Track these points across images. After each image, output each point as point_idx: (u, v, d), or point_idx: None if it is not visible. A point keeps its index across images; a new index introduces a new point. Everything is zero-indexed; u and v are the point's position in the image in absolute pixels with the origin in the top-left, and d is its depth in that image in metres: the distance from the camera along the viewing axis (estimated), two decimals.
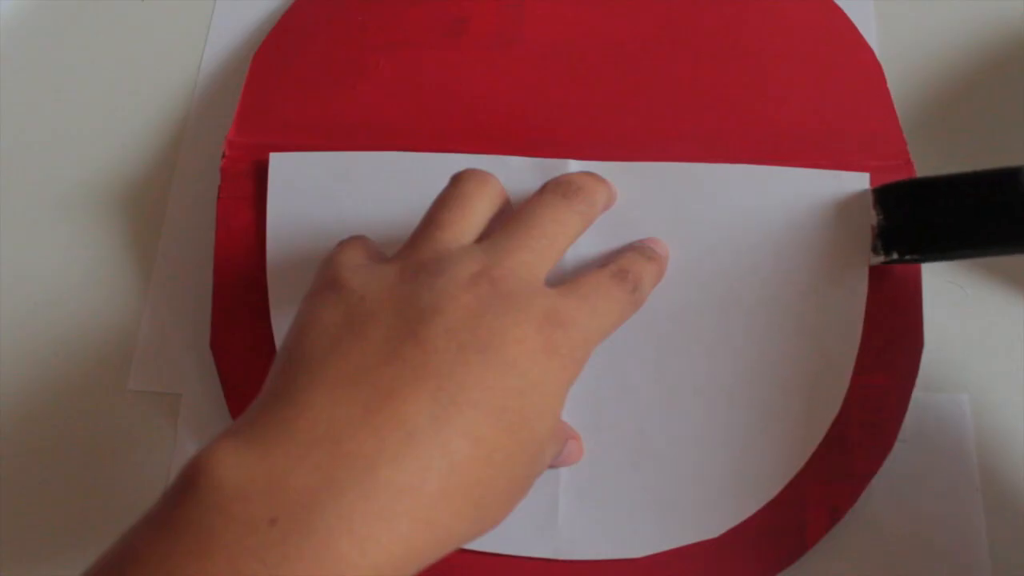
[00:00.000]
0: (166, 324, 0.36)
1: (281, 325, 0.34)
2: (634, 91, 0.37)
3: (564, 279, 0.28)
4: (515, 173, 0.36)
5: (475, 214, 0.29)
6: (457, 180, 0.30)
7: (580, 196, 0.30)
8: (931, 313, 0.34)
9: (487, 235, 0.29)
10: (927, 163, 0.36)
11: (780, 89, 0.37)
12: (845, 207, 0.34)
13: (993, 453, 0.33)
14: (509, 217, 0.29)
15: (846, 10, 0.39)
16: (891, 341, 0.33)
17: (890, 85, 0.37)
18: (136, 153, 0.40)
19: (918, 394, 0.33)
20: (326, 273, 0.27)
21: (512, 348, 0.24)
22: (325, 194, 0.36)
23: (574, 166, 0.35)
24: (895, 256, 0.31)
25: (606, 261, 0.30)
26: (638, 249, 0.32)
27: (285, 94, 0.38)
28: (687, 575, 0.31)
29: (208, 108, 0.40)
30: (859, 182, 0.35)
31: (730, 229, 0.34)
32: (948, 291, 0.35)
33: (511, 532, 0.28)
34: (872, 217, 0.32)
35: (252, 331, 0.34)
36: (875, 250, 0.32)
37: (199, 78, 0.41)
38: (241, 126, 0.38)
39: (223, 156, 0.37)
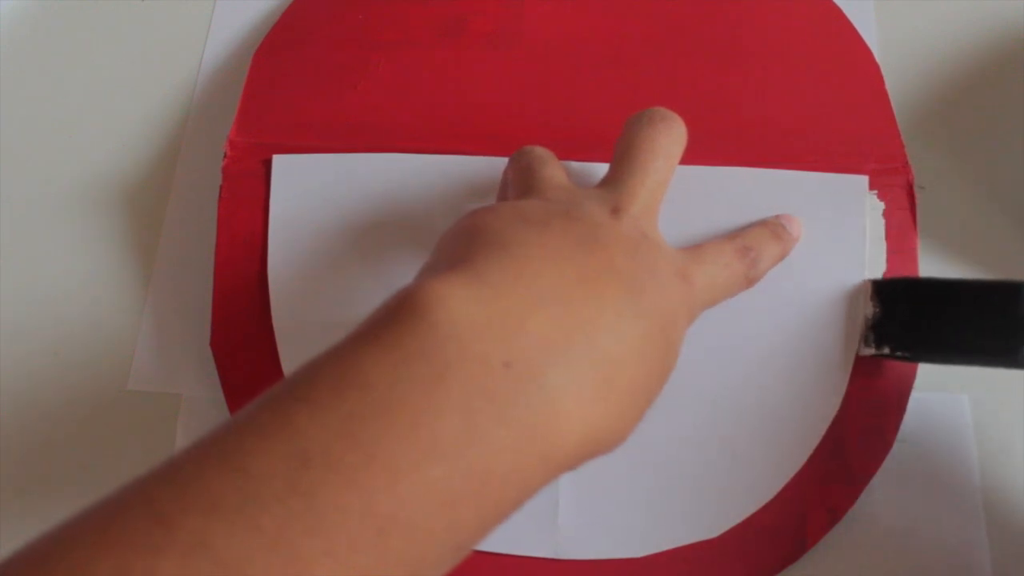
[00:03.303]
0: (166, 324, 0.36)
1: (282, 325, 0.34)
2: (633, 91, 0.38)
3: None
4: None
5: (562, 169, 0.30)
6: (524, 150, 0.31)
7: (677, 119, 0.31)
8: None
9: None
10: (926, 164, 0.36)
11: (779, 90, 0.37)
12: (843, 209, 0.34)
13: (993, 453, 0.33)
14: (621, 154, 0.30)
15: (846, 10, 0.39)
16: None
17: (889, 86, 0.37)
18: (136, 153, 0.40)
19: (918, 394, 0.33)
20: (459, 218, 0.28)
21: (665, 276, 0.26)
22: (327, 195, 0.36)
23: (574, 166, 0.35)
24: (886, 351, 0.31)
25: (735, 234, 0.31)
26: (769, 225, 0.32)
27: (285, 94, 0.38)
28: (687, 575, 0.31)
29: (208, 108, 0.40)
30: (857, 185, 0.35)
31: (729, 230, 0.34)
32: None
33: (511, 531, 0.28)
34: (868, 308, 0.32)
35: (252, 331, 0.34)
36: (866, 342, 0.31)
37: (199, 78, 0.41)
38: (242, 126, 0.38)
39: (224, 156, 0.37)
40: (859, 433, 0.32)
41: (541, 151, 0.31)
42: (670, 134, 0.30)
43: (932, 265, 0.35)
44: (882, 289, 0.32)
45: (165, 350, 0.36)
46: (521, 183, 0.30)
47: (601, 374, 0.23)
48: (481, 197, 0.35)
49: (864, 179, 0.35)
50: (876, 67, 0.38)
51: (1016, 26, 0.39)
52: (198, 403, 0.35)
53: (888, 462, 0.32)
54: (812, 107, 0.37)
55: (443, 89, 0.38)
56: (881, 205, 0.35)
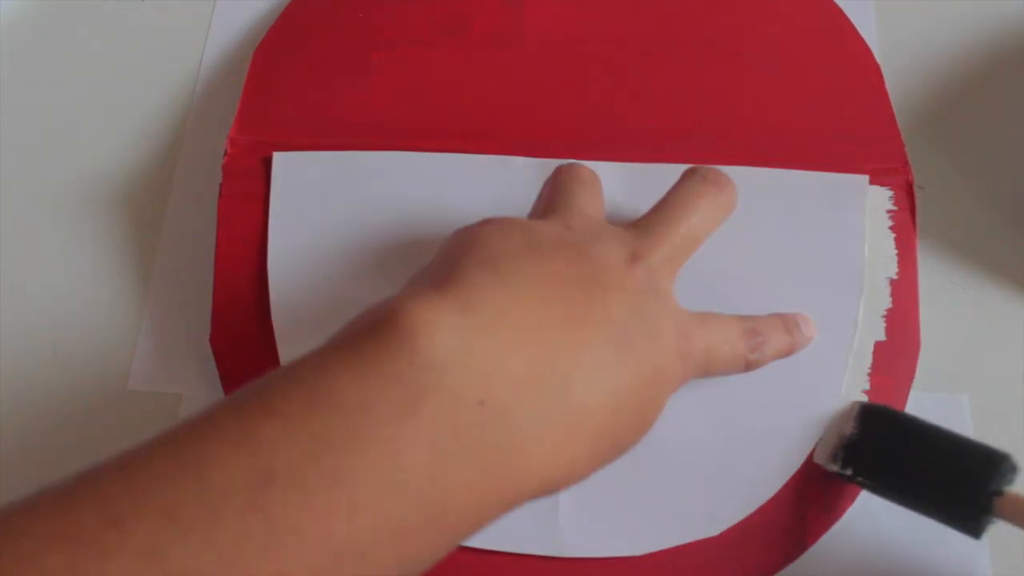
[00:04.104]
0: (166, 324, 0.36)
1: (282, 325, 0.34)
2: (633, 91, 0.38)
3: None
4: (515, 173, 0.36)
5: (599, 198, 0.30)
6: (571, 167, 0.31)
7: (729, 187, 0.30)
8: (931, 313, 0.34)
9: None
10: (926, 164, 0.36)
11: (779, 89, 0.37)
12: (843, 209, 0.34)
13: None
14: (660, 202, 0.29)
15: (846, 10, 0.39)
16: (888, 342, 0.33)
17: (889, 86, 0.37)
18: (137, 152, 0.40)
19: (917, 394, 0.33)
20: (474, 223, 0.27)
21: (663, 334, 0.26)
22: (328, 193, 0.36)
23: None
24: (849, 472, 0.30)
25: (749, 316, 0.30)
26: (784, 318, 0.31)
27: (286, 91, 0.38)
28: (687, 573, 0.31)
29: (209, 106, 0.40)
30: (857, 184, 0.35)
31: (728, 230, 0.34)
32: (948, 291, 0.35)
33: (512, 530, 0.28)
34: (847, 427, 0.31)
35: (253, 331, 0.34)
36: (834, 458, 0.31)
37: (200, 76, 0.41)
38: (242, 124, 0.38)
39: (225, 154, 0.37)
40: None
41: (585, 172, 0.30)
42: (716, 198, 0.30)
43: (932, 265, 0.35)
44: (866, 413, 0.31)
45: (165, 350, 0.36)
46: (552, 199, 0.29)
47: (570, 422, 0.23)
48: (481, 196, 0.35)
49: (864, 178, 0.35)
50: (876, 67, 0.38)
51: (1016, 26, 0.39)
52: (198, 403, 0.35)
53: None
54: (812, 107, 0.37)
55: (443, 87, 0.38)
56: (888, 193, 0.35)
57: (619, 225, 0.29)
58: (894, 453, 0.30)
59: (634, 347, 0.24)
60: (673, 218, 0.29)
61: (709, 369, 0.28)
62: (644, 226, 0.29)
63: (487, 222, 0.27)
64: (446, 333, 0.22)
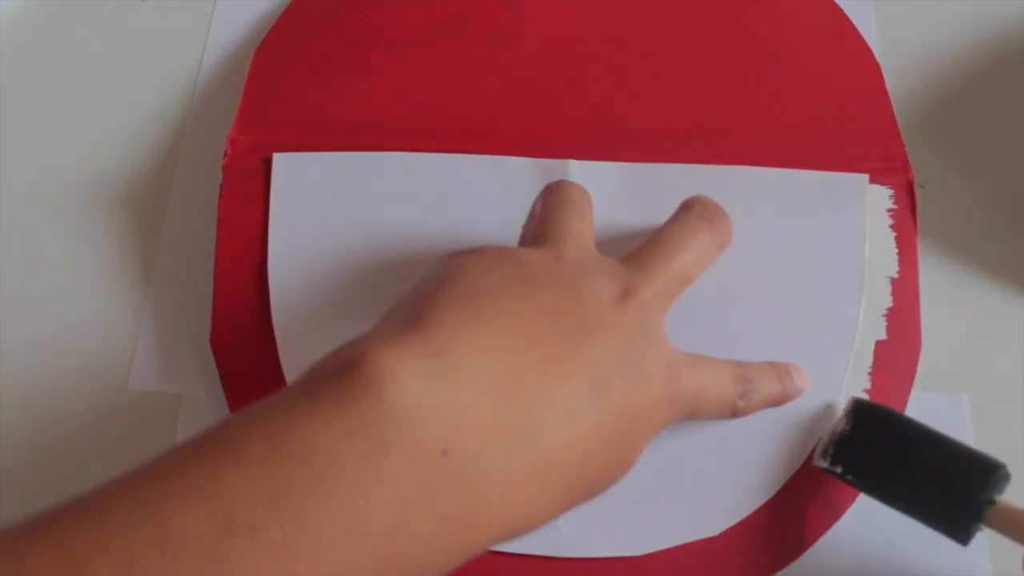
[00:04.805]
0: (166, 324, 0.36)
1: (282, 325, 0.34)
2: (633, 91, 0.38)
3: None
4: (515, 173, 0.36)
5: (590, 221, 0.30)
6: (561, 187, 0.30)
7: (725, 223, 0.30)
8: (931, 313, 0.34)
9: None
10: (926, 164, 0.36)
11: (779, 89, 0.37)
12: (843, 208, 0.34)
13: (993, 453, 0.32)
14: (655, 236, 0.29)
15: (846, 10, 0.39)
16: (889, 341, 0.33)
17: (889, 85, 0.37)
18: (137, 152, 0.40)
19: (918, 394, 0.33)
20: (467, 250, 0.27)
21: (648, 375, 0.25)
22: (328, 193, 0.36)
23: (574, 166, 0.35)
24: (838, 469, 0.30)
25: (741, 362, 0.29)
26: (776, 367, 0.31)
27: (286, 92, 0.38)
28: (687, 573, 0.31)
29: (209, 107, 0.40)
30: (858, 183, 0.35)
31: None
32: (948, 291, 0.35)
33: None
34: (839, 424, 0.31)
35: (253, 331, 0.34)
36: (824, 454, 0.30)
37: (200, 76, 0.41)
38: (242, 124, 0.38)
39: (225, 154, 0.37)
40: None
41: (578, 193, 0.30)
42: (712, 234, 0.29)
43: (932, 265, 0.35)
44: (860, 409, 0.30)
45: (165, 350, 0.36)
46: (545, 223, 0.29)
47: (536, 473, 0.23)
48: (481, 196, 0.35)
49: (864, 177, 0.35)
50: (876, 66, 0.38)
51: (1016, 26, 0.39)
52: (198, 403, 0.35)
53: None
54: (812, 106, 0.37)
55: (443, 87, 0.38)
56: (888, 192, 0.35)
57: (612, 257, 0.28)
58: (886, 453, 0.29)
59: (612, 391, 0.24)
60: (667, 254, 0.28)
61: (695, 413, 0.28)
62: (637, 260, 0.28)
63: (479, 252, 0.26)
64: (413, 381, 0.21)
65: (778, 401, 0.31)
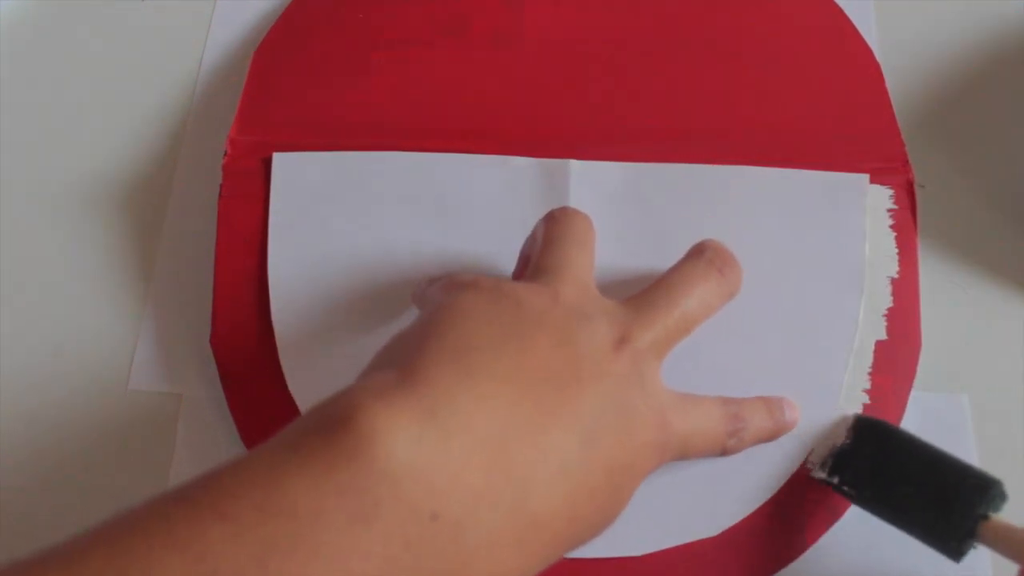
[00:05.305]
0: (166, 324, 0.36)
1: (282, 325, 0.34)
2: (634, 91, 0.38)
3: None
4: (516, 173, 0.36)
5: (591, 256, 0.29)
6: (566, 216, 0.30)
7: (734, 271, 0.29)
8: (931, 313, 0.34)
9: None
10: (926, 164, 0.36)
11: (779, 89, 0.37)
12: (843, 208, 0.34)
13: (993, 453, 0.33)
14: (661, 279, 0.29)
15: (846, 10, 0.39)
16: (889, 341, 0.33)
17: (889, 85, 0.37)
18: (137, 152, 0.40)
19: (918, 394, 0.33)
20: (463, 277, 0.27)
21: (640, 424, 0.25)
22: (328, 193, 0.36)
23: (575, 166, 0.35)
24: (835, 480, 0.30)
25: (731, 399, 0.29)
26: (767, 402, 0.31)
27: (286, 92, 0.38)
28: (687, 573, 0.31)
29: (209, 106, 0.40)
30: (858, 183, 0.35)
31: (728, 229, 0.34)
32: (948, 291, 0.35)
33: None
34: (840, 437, 0.31)
35: (253, 331, 0.34)
36: (822, 464, 0.31)
37: (200, 76, 0.41)
38: (242, 124, 0.38)
39: (225, 154, 0.37)
40: None
41: (581, 225, 0.29)
42: (720, 282, 0.29)
43: (932, 265, 0.35)
44: (862, 425, 0.31)
45: (165, 350, 0.36)
46: (545, 255, 0.28)
47: (523, 534, 0.23)
48: (481, 196, 0.35)
49: (864, 177, 0.35)
50: (876, 66, 0.38)
51: (1016, 26, 0.40)
52: (198, 403, 0.35)
53: None
54: (812, 106, 0.37)
55: (444, 88, 0.38)
56: (888, 192, 0.35)
57: (613, 299, 0.28)
58: (884, 467, 0.29)
59: (603, 445, 0.24)
60: (670, 300, 0.28)
61: (685, 454, 0.28)
62: (638, 304, 0.28)
63: (476, 289, 0.26)
64: (404, 442, 0.21)
65: (769, 438, 0.31)
